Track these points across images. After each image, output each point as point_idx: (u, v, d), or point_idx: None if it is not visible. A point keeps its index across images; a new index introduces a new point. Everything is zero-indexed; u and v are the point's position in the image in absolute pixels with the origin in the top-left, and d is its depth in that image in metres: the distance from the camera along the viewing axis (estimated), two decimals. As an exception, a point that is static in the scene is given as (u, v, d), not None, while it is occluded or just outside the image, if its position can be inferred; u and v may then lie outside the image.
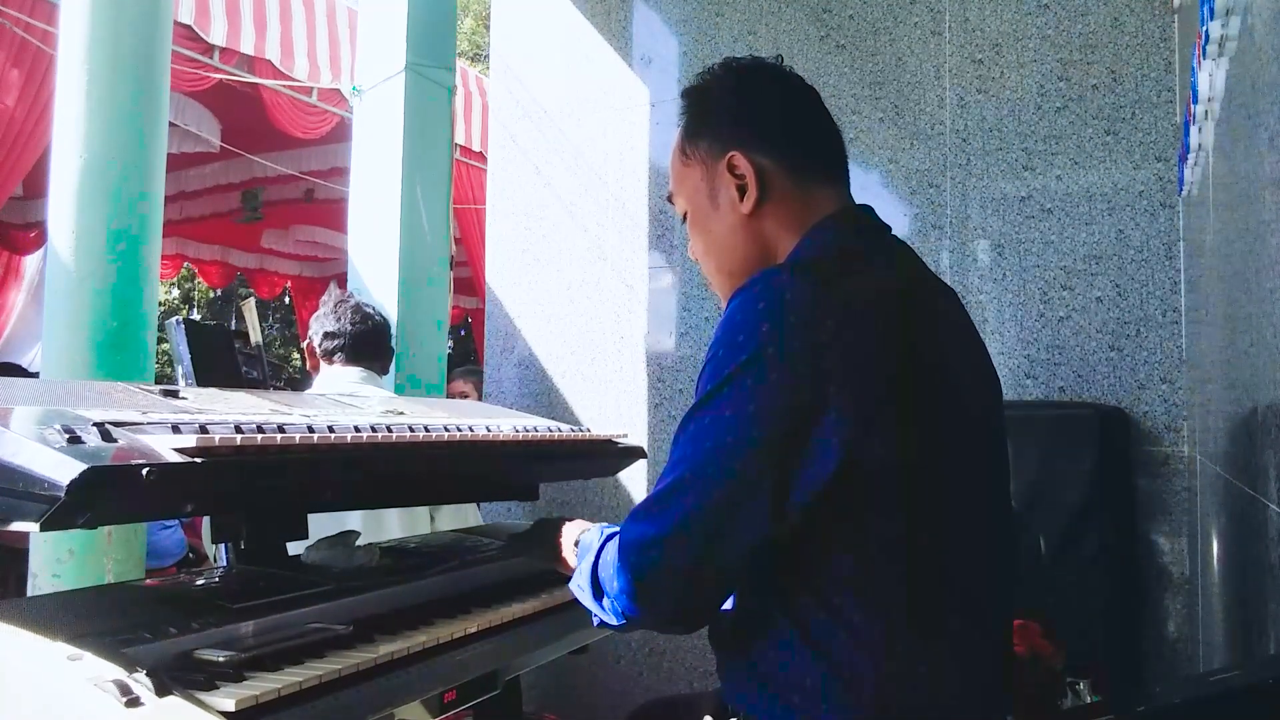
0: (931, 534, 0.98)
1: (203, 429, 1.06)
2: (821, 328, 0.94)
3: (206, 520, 1.93)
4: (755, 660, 1.02)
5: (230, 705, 0.88)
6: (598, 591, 1.06)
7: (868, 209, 1.14)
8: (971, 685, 1.01)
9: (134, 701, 0.84)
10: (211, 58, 4.05)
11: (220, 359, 2.39)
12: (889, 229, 1.14)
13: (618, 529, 1.08)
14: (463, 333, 9.29)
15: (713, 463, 0.95)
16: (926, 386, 0.99)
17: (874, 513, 0.95)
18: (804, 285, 0.97)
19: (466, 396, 3.89)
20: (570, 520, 1.29)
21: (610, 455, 1.83)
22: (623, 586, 1.00)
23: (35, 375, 4.04)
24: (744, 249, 1.13)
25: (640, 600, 0.99)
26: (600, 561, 1.07)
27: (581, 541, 1.18)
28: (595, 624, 1.10)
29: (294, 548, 1.41)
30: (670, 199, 1.22)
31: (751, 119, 1.13)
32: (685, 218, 1.19)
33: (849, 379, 0.93)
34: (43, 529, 0.90)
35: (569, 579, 1.17)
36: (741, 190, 1.11)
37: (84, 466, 0.89)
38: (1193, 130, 1.94)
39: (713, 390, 0.96)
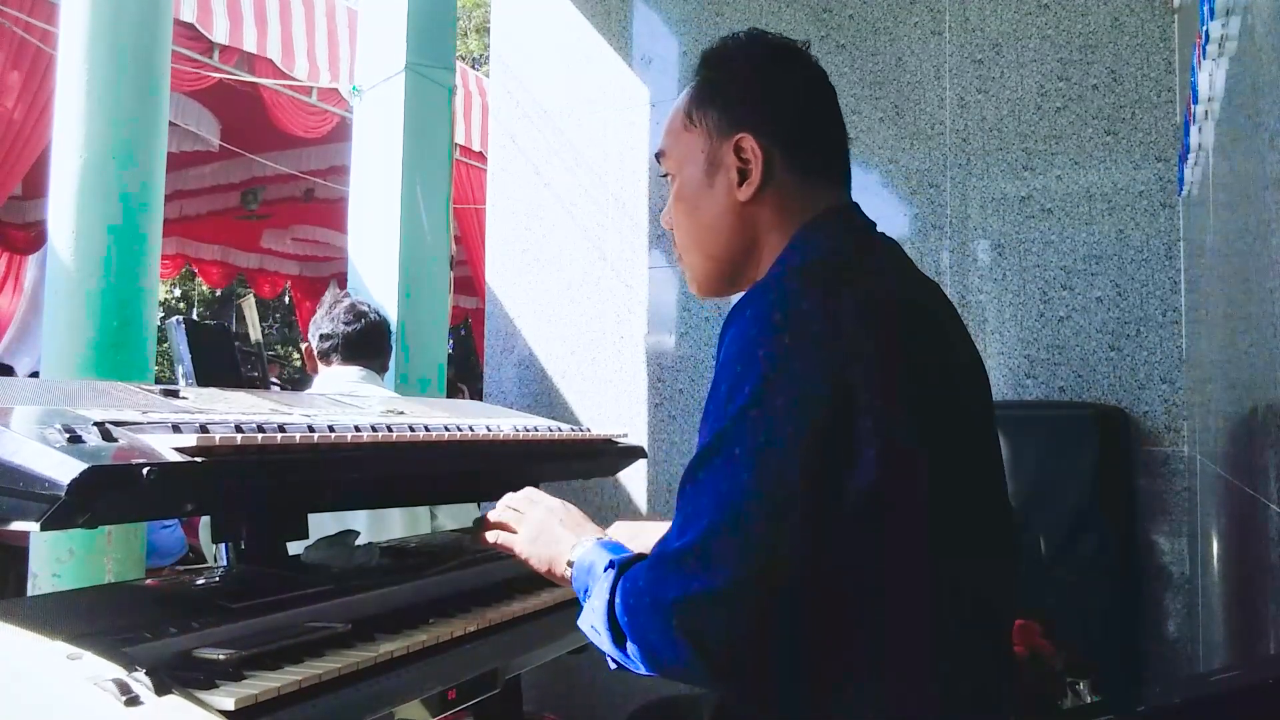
0: (948, 539, 0.95)
1: (203, 429, 1.06)
2: (843, 335, 0.90)
3: (204, 520, 1.93)
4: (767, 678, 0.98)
5: (230, 704, 0.88)
6: (619, 638, 0.96)
7: (854, 206, 1.10)
8: (979, 690, 1.00)
9: (134, 700, 0.84)
10: (212, 57, 4.05)
11: (220, 359, 2.39)
12: (875, 225, 1.10)
13: (625, 555, 1.01)
14: (463, 332, 9.29)
15: (756, 497, 0.87)
16: (936, 386, 0.97)
17: (899, 521, 0.91)
18: (817, 292, 0.93)
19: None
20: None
21: (610, 455, 1.83)
22: (680, 652, 0.89)
23: (33, 375, 4.04)
24: (730, 235, 1.08)
25: (714, 666, 0.88)
26: (617, 605, 0.96)
27: (577, 562, 1.08)
28: (612, 667, 1.01)
29: (294, 548, 1.41)
30: (658, 157, 1.15)
31: (770, 104, 1.07)
32: (668, 177, 1.13)
33: (877, 385, 0.89)
34: (43, 529, 0.90)
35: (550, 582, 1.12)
36: (743, 174, 1.06)
37: (84, 466, 0.89)
38: (1193, 130, 1.94)
39: (737, 414, 0.89)
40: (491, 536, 1.22)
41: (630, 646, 0.95)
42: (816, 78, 1.11)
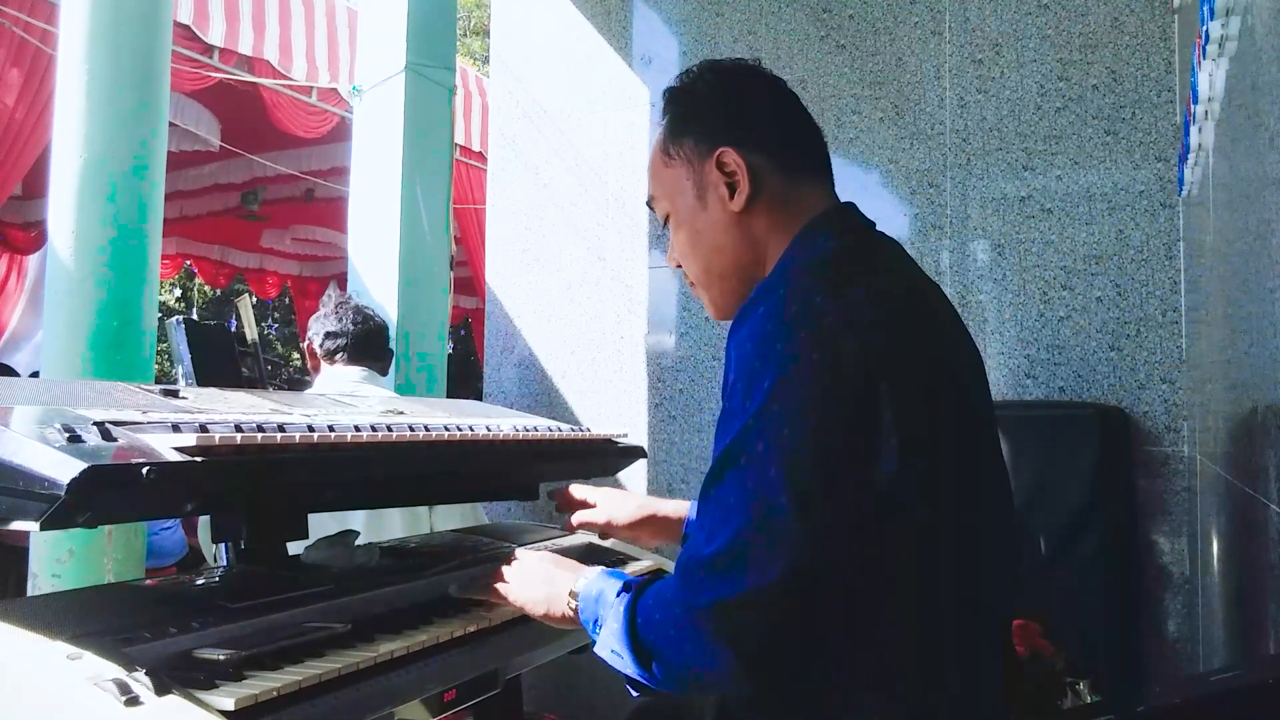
0: (954, 536, 0.94)
1: (203, 428, 1.06)
2: (860, 327, 0.89)
3: (203, 520, 1.93)
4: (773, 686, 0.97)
5: (230, 704, 0.88)
6: (643, 657, 0.94)
7: (852, 206, 1.11)
8: (975, 693, 0.99)
9: (133, 700, 0.84)
10: (211, 58, 4.05)
11: (220, 359, 2.40)
12: (874, 224, 1.11)
13: (638, 579, 1.01)
14: (463, 333, 9.29)
15: (784, 492, 0.85)
16: (946, 383, 0.97)
17: (912, 517, 0.90)
18: (829, 287, 0.92)
19: None
20: (524, 550, 1.20)
21: (610, 455, 1.83)
22: (718, 658, 0.87)
23: (33, 375, 4.03)
24: (733, 248, 1.09)
25: (754, 670, 0.87)
26: (640, 623, 0.94)
27: (583, 593, 1.06)
28: (634, 695, 0.99)
29: (294, 548, 1.41)
30: (650, 203, 1.17)
31: (741, 116, 1.10)
32: (666, 221, 1.15)
33: (896, 377, 0.88)
34: (43, 528, 0.90)
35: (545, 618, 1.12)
36: (732, 188, 1.07)
37: (84, 465, 0.89)
38: (1193, 130, 1.94)
39: (758, 411, 0.88)
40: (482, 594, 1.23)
41: (655, 665, 0.93)
42: (777, 86, 1.14)
